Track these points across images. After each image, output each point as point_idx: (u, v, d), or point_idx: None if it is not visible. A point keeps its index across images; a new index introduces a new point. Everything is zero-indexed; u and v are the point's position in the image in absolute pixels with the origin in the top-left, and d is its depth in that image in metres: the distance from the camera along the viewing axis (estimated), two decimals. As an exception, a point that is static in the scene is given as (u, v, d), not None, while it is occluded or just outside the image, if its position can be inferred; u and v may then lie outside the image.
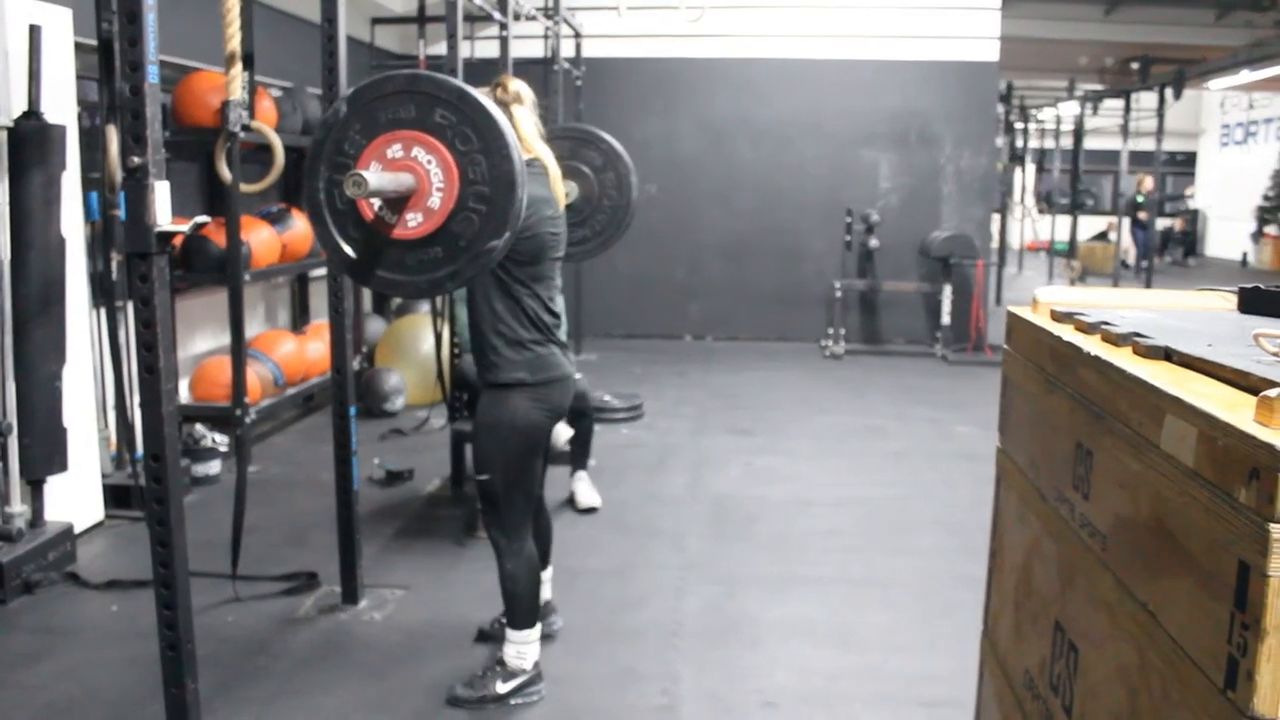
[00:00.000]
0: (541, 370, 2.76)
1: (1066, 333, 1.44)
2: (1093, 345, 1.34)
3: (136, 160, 2.13)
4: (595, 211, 4.27)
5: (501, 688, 2.85)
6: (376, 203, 2.35)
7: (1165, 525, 1.06)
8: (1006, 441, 1.68)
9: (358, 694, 2.93)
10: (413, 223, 2.34)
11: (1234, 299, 1.64)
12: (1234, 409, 0.98)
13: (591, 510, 4.43)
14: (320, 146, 2.41)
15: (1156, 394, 1.09)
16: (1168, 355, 1.23)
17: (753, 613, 3.51)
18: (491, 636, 3.19)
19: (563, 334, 2.87)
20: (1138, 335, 1.30)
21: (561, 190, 2.90)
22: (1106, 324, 1.38)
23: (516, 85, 2.86)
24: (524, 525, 2.85)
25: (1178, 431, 1.04)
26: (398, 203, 2.35)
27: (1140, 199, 15.71)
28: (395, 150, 2.32)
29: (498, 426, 2.76)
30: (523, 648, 2.88)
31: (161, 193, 2.16)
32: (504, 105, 2.79)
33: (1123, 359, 1.24)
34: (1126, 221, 15.31)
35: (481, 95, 2.38)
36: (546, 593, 3.22)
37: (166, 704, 2.41)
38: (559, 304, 2.87)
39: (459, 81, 2.39)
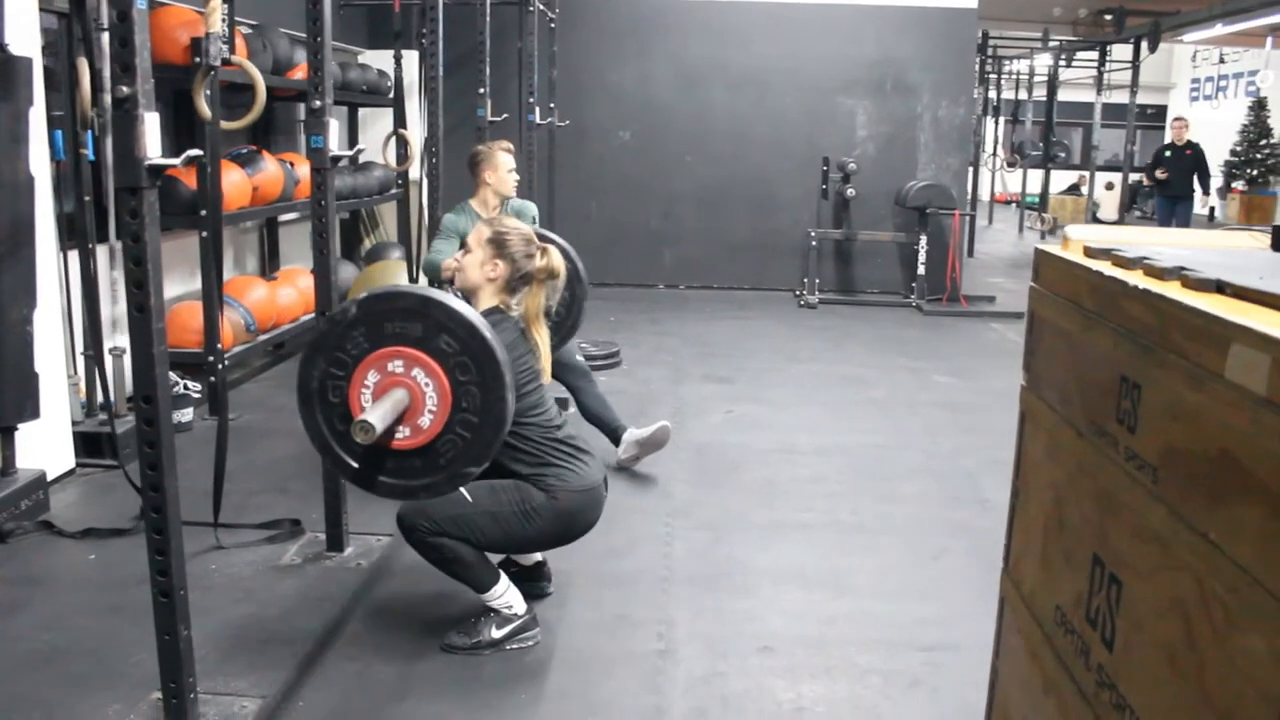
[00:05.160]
0: (568, 483, 2.81)
1: (1106, 268, 1.41)
2: (1137, 279, 1.31)
3: (125, 90, 2.03)
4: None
5: (496, 633, 2.82)
6: (367, 405, 2.41)
7: (1231, 454, 1.03)
8: (1033, 379, 1.66)
9: (350, 641, 2.90)
10: (400, 435, 2.43)
11: (1265, 239, 1.62)
12: (1305, 336, 0.95)
13: (664, 427, 4.31)
14: (323, 338, 2.48)
15: (1221, 324, 1.07)
16: (1219, 288, 1.21)
17: (742, 558, 3.51)
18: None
19: (580, 441, 2.92)
20: (1184, 269, 1.27)
21: (549, 365, 2.98)
22: (1147, 259, 1.35)
23: (558, 262, 2.94)
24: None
25: (1246, 360, 1.01)
26: None
27: (1168, 154, 11.02)
28: (396, 365, 2.42)
29: (522, 504, 2.76)
30: (504, 598, 2.85)
31: (152, 124, 2.07)
32: (532, 276, 2.88)
33: (1173, 292, 1.21)
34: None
35: (489, 331, 2.42)
36: (539, 554, 3.19)
37: (160, 652, 2.35)
38: (552, 412, 2.90)
39: (472, 315, 2.45)
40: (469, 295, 2.93)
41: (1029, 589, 1.62)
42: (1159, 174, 10.98)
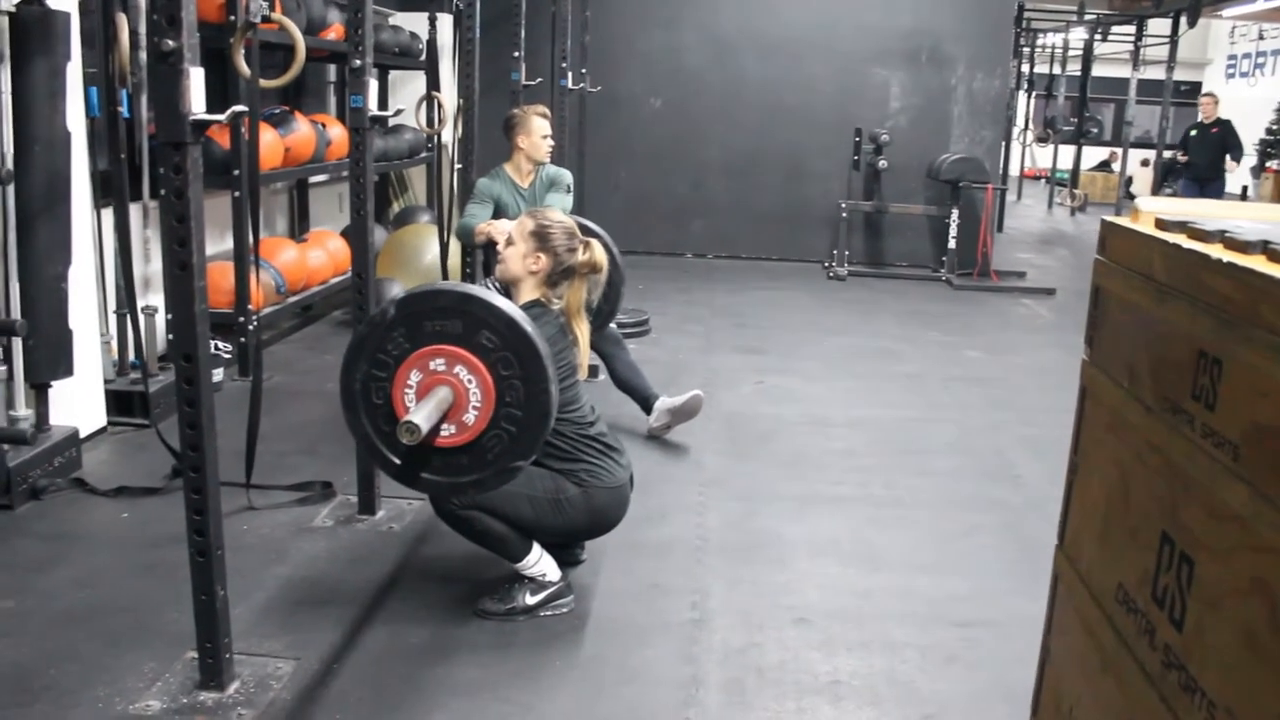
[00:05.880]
0: (601, 480, 2.82)
1: (1182, 241, 1.37)
2: (1219, 252, 1.27)
3: (171, 44, 2.00)
4: None
5: (530, 600, 2.82)
6: (411, 405, 2.41)
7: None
8: (1096, 353, 1.62)
9: (384, 604, 2.89)
10: (445, 433, 2.43)
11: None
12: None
13: (697, 396, 4.28)
14: (363, 341, 2.46)
15: (1316, 298, 1.03)
16: (1307, 262, 1.17)
17: (776, 529, 3.49)
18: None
19: (611, 438, 2.92)
20: (1270, 243, 1.23)
21: (587, 360, 2.98)
22: (1228, 232, 1.31)
23: (601, 256, 2.92)
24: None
25: (1347, 336, 0.98)
26: None
27: (1194, 133, 10.27)
28: (438, 363, 2.41)
29: (556, 493, 2.77)
30: (538, 565, 2.84)
31: (196, 79, 2.04)
32: (574, 270, 2.86)
33: (1260, 265, 1.17)
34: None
35: (530, 324, 2.41)
36: None
37: (196, 611, 2.36)
38: (586, 409, 2.90)
39: (512, 309, 2.43)
40: (510, 287, 2.91)
41: (1086, 566, 1.59)
42: (1180, 157, 10.34)
